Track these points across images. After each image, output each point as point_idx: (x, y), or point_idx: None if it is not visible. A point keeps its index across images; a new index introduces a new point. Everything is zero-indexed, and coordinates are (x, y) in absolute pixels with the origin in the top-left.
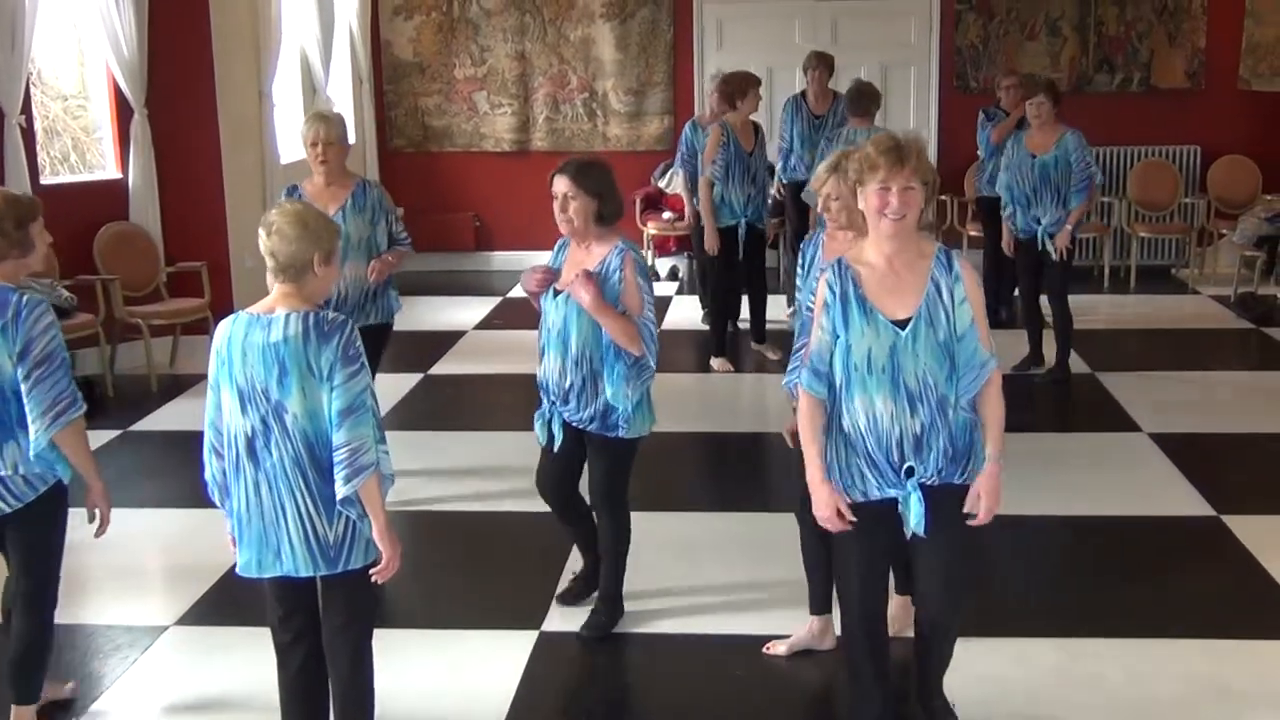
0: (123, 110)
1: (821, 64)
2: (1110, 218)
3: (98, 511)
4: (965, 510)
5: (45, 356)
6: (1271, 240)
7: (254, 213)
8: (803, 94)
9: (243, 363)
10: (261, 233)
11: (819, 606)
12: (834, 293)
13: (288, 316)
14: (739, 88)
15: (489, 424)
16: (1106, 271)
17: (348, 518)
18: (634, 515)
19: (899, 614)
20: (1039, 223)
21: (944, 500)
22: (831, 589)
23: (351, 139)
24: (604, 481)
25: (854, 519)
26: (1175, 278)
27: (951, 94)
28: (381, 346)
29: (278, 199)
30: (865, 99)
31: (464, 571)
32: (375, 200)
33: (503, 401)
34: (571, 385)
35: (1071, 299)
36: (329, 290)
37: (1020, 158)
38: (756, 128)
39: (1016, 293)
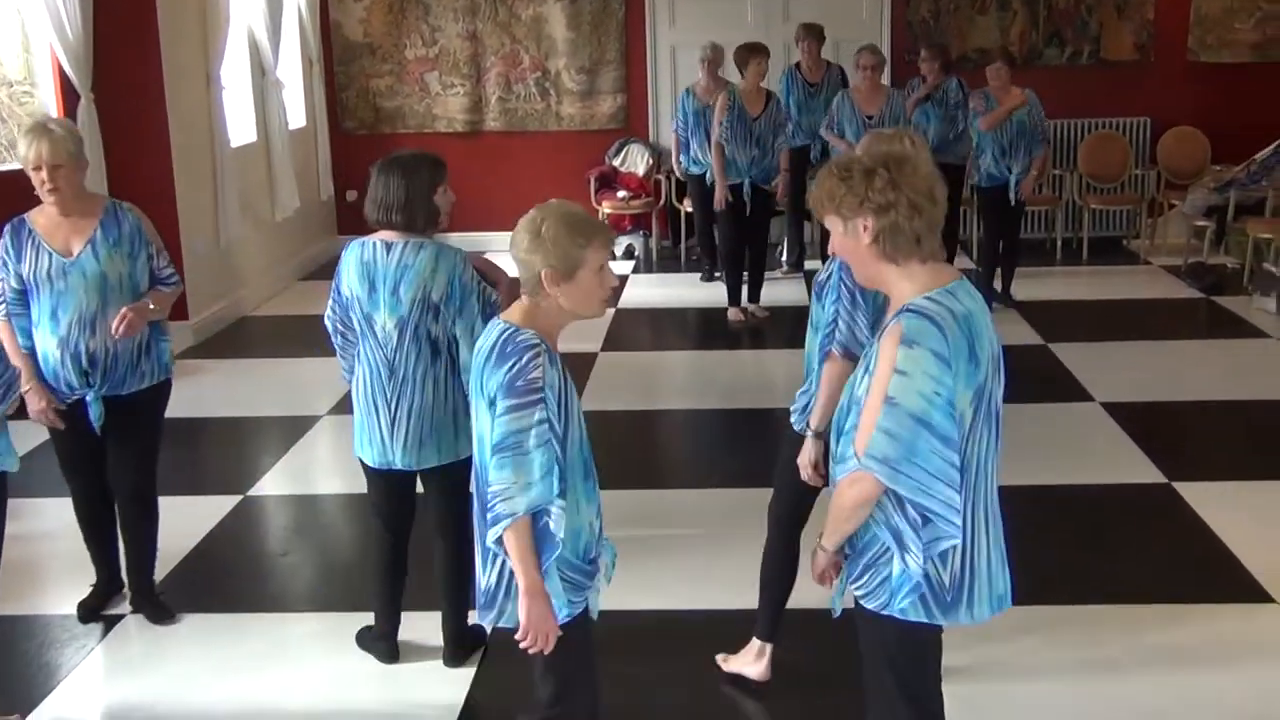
0: (69, 96)
1: (810, 35)
2: (1062, 190)
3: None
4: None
5: None
6: (1220, 210)
7: (204, 198)
8: (797, 65)
9: None
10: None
11: (766, 631)
12: None
13: (496, 326)
14: (741, 59)
15: None
16: (1059, 243)
17: (502, 562)
18: (620, 492)
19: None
20: (1010, 171)
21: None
22: (779, 614)
23: (303, 121)
24: None
25: None
26: (1126, 248)
27: (904, 69)
28: (163, 407)
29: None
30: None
31: (421, 556)
32: (133, 228)
33: None
34: None
35: (1023, 271)
36: (580, 314)
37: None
38: (769, 95)
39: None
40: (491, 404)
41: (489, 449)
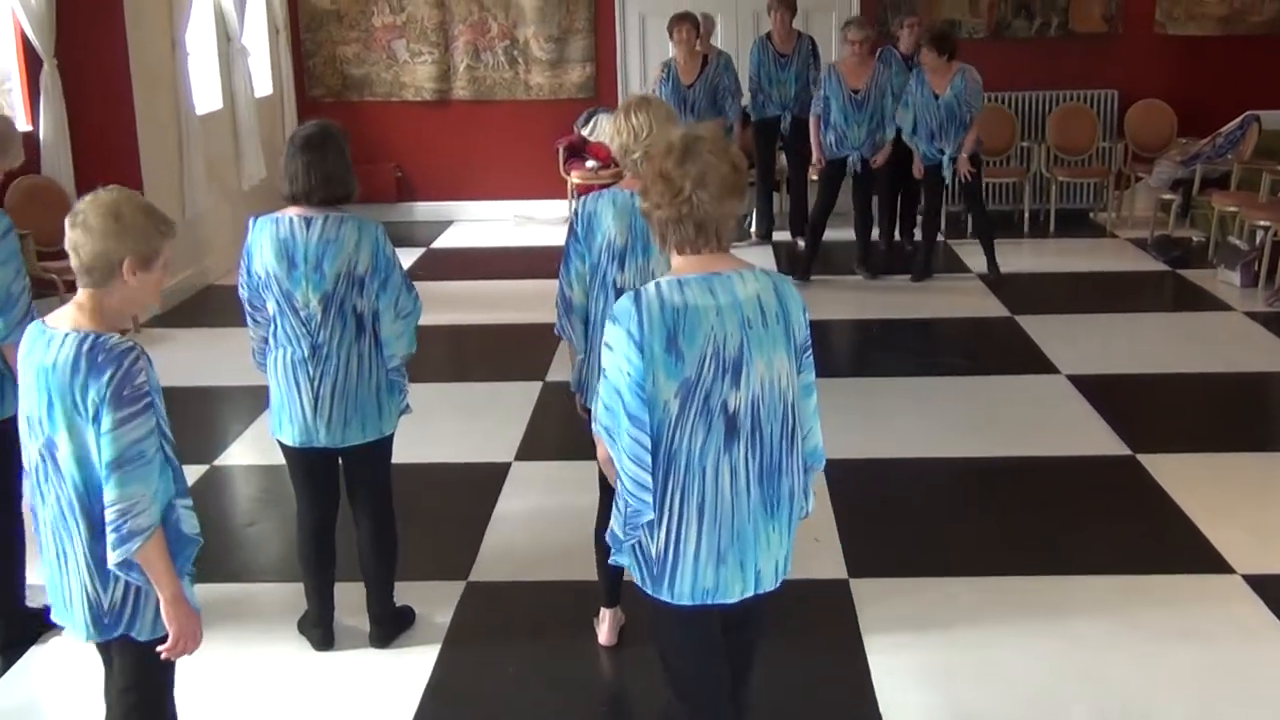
0: (31, 61)
1: (783, 5)
2: (1029, 162)
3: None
4: None
5: None
6: (1186, 183)
7: (170, 165)
8: (768, 35)
9: (25, 381)
10: (67, 223)
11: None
12: None
13: (65, 337)
14: (669, 28)
15: (414, 375)
16: (1026, 215)
17: (127, 581)
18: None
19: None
20: (943, 153)
21: None
22: (617, 581)
23: (269, 89)
24: None
25: None
26: (1093, 221)
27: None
28: None
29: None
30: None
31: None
32: None
33: (429, 353)
34: None
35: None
36: (143, 307)
37: (926, 98)
38: (705, 60)
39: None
40: (95, 419)
41: (102, 465)
